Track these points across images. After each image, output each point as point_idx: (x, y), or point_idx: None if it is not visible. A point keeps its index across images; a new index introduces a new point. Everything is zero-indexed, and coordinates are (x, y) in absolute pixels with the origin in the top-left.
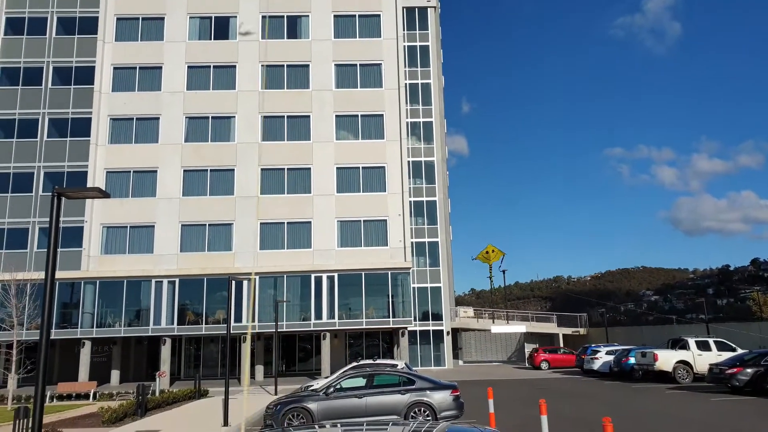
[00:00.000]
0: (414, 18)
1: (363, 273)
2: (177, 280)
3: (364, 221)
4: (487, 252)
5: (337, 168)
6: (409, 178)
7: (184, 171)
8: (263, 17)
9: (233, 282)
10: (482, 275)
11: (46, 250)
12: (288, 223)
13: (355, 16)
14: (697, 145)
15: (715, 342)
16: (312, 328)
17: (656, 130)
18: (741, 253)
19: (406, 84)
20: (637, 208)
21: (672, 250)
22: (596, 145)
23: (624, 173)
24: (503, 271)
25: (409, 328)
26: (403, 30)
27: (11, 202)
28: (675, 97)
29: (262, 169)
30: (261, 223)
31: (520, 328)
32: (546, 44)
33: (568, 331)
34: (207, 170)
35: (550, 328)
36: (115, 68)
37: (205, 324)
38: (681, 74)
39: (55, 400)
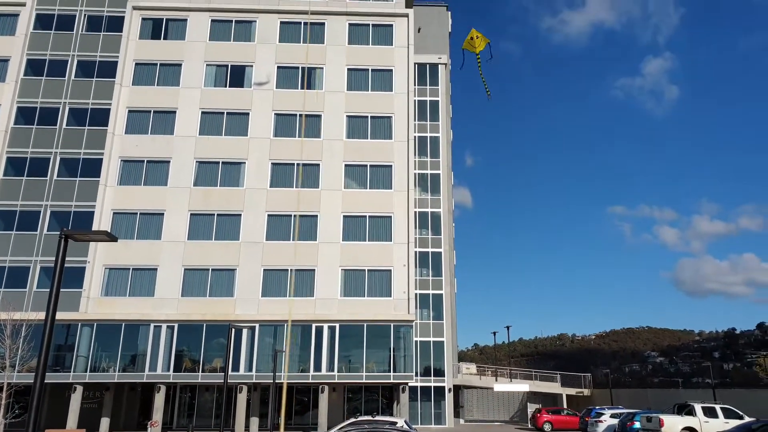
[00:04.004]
0: (425, 74)
1: (365, 324)
2: (176, 326)
3: (369, 271)
4: (471, 38)
5: (344, 216)
6: (416, 228)
7: (191, 214)
8: (278, 67)
9: (233, 329)
10: (486, 330)
11: (46, 290)
12: (292, 270)
13: (368, 70)
14: (698, 206)
15: (722, 409)
16: (311, 380)
17: (658, 190)
18: (746, 316)
19: (415, 137)
20: (640, 268)
21: (676, 311)
22: (598, 203)
23: (626, 231)
24: (507, 327)
25: (410, 384)
26: (415, 85)
27: (15, 240)
28: (675, 158)
29: (268, 215)
30: (264, 270)
31: (523, 387)
32: (549, 103)
33: (572, 391)
34: (214, 215)
35: (554, 387)
36: (129, 111)
37: (202, 372)
38: (679, 135)
39: None
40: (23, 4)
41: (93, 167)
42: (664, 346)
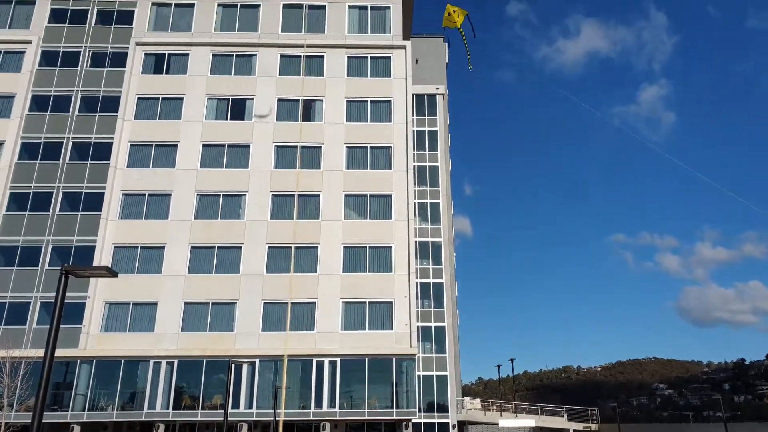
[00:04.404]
0: (423, 104)
1: (366, 359)
2: (176, 362)
3: (370, 303)
4: (448, 14)
5: (345, 247)
6: (416, 258)
7: (192, 248)
8: (279, 100)
9: (233, 365)
10: (490, 363)
11: (45, 326)
12: (292, 303)
13: (367, 101)
14: (700, 233)
15: None
16: (311, 418)
17: (658, 217)
18: (755, 346)
19: (414, 166)
20: (644, 297)
21: (682, 340)
22: (599, 231)
23: (629, 260)
24: (511, 360)
25: (413, 420)
26: (413, 115)
27: (16, 276)
28: (674, 185)
29: (269, 247)
30: (265, 303)
31: (528, 422)
32: (546, 131)
33: (579, 426)
34: (215, 247)
35: (560, 422)
36: (132, 145)
37: (202, 409)
38: (674, 163)
39: None
40: (29, 42)
41: (95, 201)
42: (672, 377)
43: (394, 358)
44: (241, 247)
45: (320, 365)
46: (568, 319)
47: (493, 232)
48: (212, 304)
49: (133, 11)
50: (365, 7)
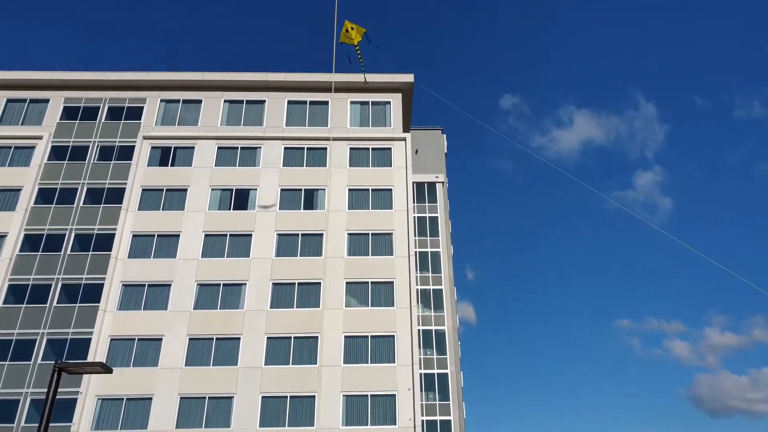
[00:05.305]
0: (424, 192)
1: None
2: None
3: (372, 396)
4: (346, 30)
5: (345, 337)
6: (420, 347)
7: (190, 339)
8: (282, 190)
9: None
10: None
11: (34, 425)
12: (291, 397)
13: (368, 189)
14: (708, 318)
15: None
16: None
17: (663, 302)
18: None
19: (416, 252)
20: (655, 385)
21: (698, 431)
22: (603, 317)
23: (636, 346)
24: None
25: None
26: (414, 202)
27: (7, 371)
28: (677, 269)
29: (268, 338)
30: (263, 397)
31: None
32: (544, 218)
33: None
34: (213, 339)
35: None
36: (134, 236)
37: None
38: (676, 246)
39: None
40: (40, 138)
41: (93, 292)
42: None
43: None
44: (239, 338)
45: None
46: (577, 409)
47: (497, 317)
48: (209, 398)
49: (142, 107)
50: (366, 102)
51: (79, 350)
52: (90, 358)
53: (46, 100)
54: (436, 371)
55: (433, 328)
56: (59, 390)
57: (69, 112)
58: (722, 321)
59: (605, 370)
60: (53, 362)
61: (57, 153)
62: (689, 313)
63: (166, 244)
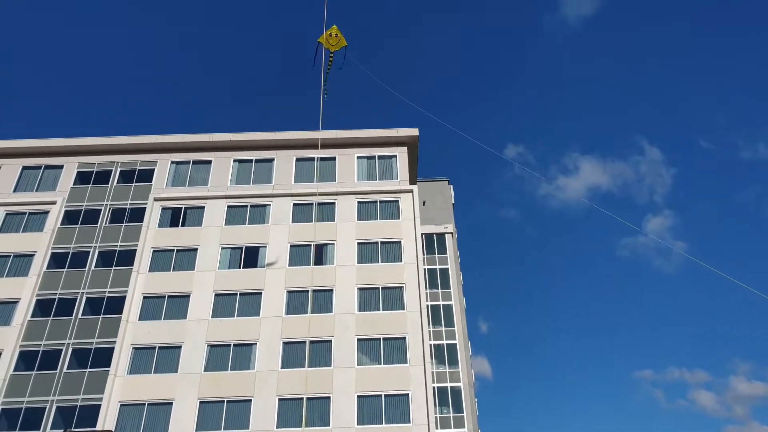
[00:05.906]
0: (433, 243)
1: None
2: None
3: None
4: (330, 34)
5: (358, 397)
6: (435, 406)
7: (201, 403)
8: (291, 246)
9: None
10: None
11: None
12: None
13: (377, 242)
14: (732, 366)
15: None
16: None
17: (684, 351)
18: None
19: (428, 305)
20: None
21: None
22: (623, 368)
23: (659, 398)
24: None
25: None
26: (424, 254)
27: None
28: (694, 317)
29: (279, 399)
30: None
31: None
32: (556, 266)
33: None
34: (223, 401)
35: None
36: (144, 297)
37: None
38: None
39: None
40: (54, 203)
41: (104, 357)
42: None
43: None
44: (250, 401)
45: None
46: None
47: (513, 372)
48: None
49: (153, 169)
50: (373, 157)
51: (89, 418)
52: (99, 426)
53: (61, 166)
54: (453, 431)
55: (449, 384)
56: None
57: (82, 177)
58: (747, 369)
59: (630, 425)
60: (62, 431)
61: (70, 217)
62: (712, 362)
63: (177, 305)
